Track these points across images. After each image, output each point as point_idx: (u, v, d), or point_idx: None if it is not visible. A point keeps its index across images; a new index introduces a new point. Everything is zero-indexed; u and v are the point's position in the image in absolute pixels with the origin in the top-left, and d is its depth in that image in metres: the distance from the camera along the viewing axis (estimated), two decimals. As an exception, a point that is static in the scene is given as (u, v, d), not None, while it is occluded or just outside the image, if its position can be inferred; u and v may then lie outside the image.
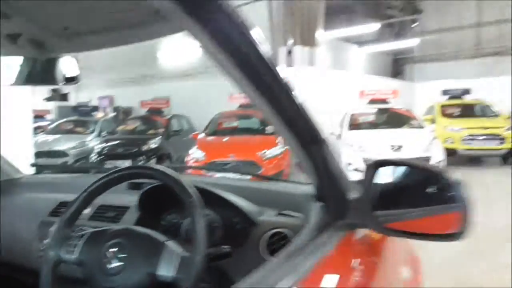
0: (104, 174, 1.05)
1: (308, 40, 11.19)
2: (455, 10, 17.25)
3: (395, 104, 9.35)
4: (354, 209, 0.91)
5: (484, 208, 5.74)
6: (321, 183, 0.92)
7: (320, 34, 11.69)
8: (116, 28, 0.97)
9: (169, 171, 0.98)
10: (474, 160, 9.86)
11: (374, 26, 14.56)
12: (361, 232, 0.98)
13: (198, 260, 0.84)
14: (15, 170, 1.64)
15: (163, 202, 1.15)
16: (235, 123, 8.35)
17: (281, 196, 1.24)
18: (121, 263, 0.89)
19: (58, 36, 0.97)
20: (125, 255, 0.90)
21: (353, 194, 0.91)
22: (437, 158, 7.03)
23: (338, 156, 0.93)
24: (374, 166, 0.92)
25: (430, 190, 0.87)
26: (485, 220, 5.10)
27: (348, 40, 16.34)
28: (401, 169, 0.93)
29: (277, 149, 6.78)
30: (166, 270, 0.86)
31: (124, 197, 1.28)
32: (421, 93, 15.72)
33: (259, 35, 0.66)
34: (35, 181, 1.66)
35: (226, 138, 7.62)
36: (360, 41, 16.67)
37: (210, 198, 1.04)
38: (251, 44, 0.65)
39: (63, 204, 1.32)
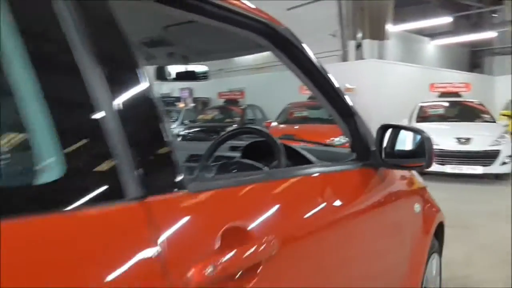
0: (226, 131, 1.73)
1: (377, 34, 11.40)
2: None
3: (468, 97, 9.28)
4: (373, 155, 1.48)
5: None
6: (354, 141, 1.50)
7: (390, 28, 11.82)
8: (232, 50, 1.72)
9: (266, 130, 1.64)
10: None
11: (446, 19, 14.22)
12: (385, 172, 1.56)
13: None
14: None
15: (256, 155, 1.70)
16: (305, 113, 8.92)
17: (335, 155, 1.82)
18: None
19: (196, 54, 1.69)
20: None
21: (374, 147, 1.51)
22: (506, 152, 7.05)
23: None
24: (382, 128, 1.50)
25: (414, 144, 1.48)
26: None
27: (421, 32, 16.09)
28: (403, 131, 1.52)
29: (344, 137, 7.25)
30: None
31: (230, 154, 1.91)
32: (501, 87, 15.08)
33: (311, 52, 1.28)
34: None
35: (296, 126, 8.22)
36: (433, 33, 16.33)
37: (288, 153, 1.60)
38: (308, 58, 1.29)
39: (193, 155, 2.01)
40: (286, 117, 9.05)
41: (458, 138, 7.26)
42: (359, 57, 11.72)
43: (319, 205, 1.17)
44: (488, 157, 7.04)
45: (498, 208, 5.41)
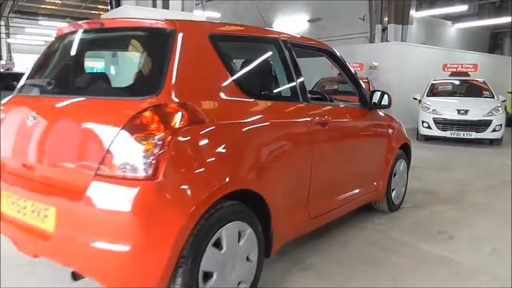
0: None
1: (401, 19, 13.03)
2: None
3: (483, 77, 10.63)
4: (368, 103, 3.44)
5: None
6: (359, 96, 3.46)
7: (414, 13, 13.40)
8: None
9: (320, 92, 3.67)
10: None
11: (470, 4, 15.46)
12: (375, 112, 3.57)
13: None
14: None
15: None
16: (335, 86, 10.80)
17: (351, 104, 3.81)
18: None
19: None
20: None
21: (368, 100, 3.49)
22: (497, 122, 8.85)
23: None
24: (372, 92, 3.46)
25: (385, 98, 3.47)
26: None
27: (445, 16, 17.41)
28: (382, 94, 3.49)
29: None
30: None
31: None
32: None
33: (339, 54, 3.31)
34: None
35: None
36: (456, 16, 17.60)
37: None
38: (341, 59, 3.31)
39: None
40: (320, 90, 10.98)
41: (458, 110, 9.07)
42: (384, 39, 13.41)
43: (344, 116, 3.21)
44: (481, 125, 8.86)
45: (477, 161, 7.32)
